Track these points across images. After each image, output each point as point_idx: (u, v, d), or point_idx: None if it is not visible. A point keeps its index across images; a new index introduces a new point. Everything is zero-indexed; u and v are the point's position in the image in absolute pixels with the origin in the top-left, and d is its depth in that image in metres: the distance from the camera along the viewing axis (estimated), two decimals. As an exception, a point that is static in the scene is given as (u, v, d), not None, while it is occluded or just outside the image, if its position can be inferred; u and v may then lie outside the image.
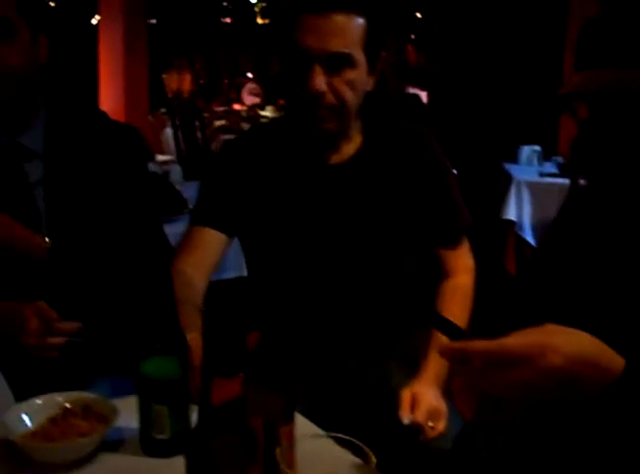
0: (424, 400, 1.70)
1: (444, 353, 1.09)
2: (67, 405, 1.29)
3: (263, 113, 10.85)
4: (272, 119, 2.14)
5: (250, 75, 14.82)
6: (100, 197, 1.87)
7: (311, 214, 1.81)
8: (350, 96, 1.71)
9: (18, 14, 1.75)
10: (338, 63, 1.67)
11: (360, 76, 1.71)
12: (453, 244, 1.93)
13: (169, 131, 8.01)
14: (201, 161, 6.59)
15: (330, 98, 1.69)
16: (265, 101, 12.46)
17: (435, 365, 1.79)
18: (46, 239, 1.79)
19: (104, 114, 2.04)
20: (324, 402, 1.79)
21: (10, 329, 1.66)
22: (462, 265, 1.95)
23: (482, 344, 1.05)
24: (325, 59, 1.66)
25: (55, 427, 1.25)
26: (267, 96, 13.01)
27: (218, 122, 8.98)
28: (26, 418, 1.27)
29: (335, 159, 1.83)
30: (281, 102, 11.40)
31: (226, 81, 14.91)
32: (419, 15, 12.50)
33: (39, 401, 1.30)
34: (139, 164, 2.02)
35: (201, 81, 14.83)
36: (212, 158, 2.01)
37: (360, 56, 1.69)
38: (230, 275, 2.95)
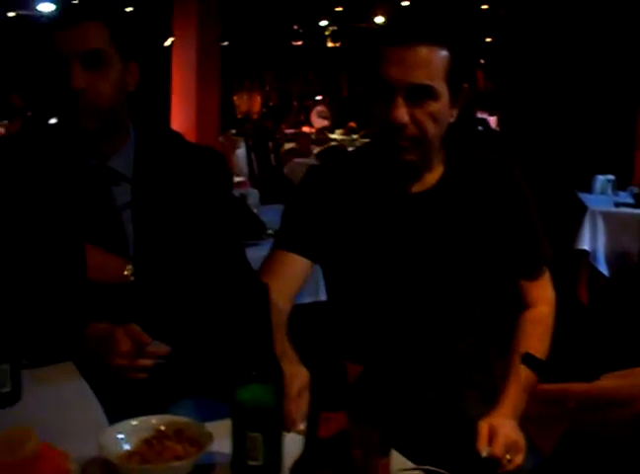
0: (502, 432, 1.68)
1: (540, 394, 1.10)
2: (161, 427, 1.31)
3: (332, 135, 10.93)
4: (356, 148, 2.15)
5: (319, 98, 14.98)
6: (185, 221, 1.91)
7: (393, 242, 1.82)
8: (431, 128, 1.72)
9: (111, 44, 1.81)
10: (420, 95, 1.68)
11: (442, 108, 1.72)
12: (535, 275, 1.92)
13: (240, 153, 8.11)
14: (277, 185, 6.64)
15: (412, 129, 1.70)
16: (334, 124, 12.55)
17: (513, 397, 1.78)
18: (129, 267, 1.85)
19: (179, 135, 2.09)
20: (405, 431, 1.79)
21: (100, 350, 1.71)
22: (543, 296, 1.95)
23: (580, 387, 1.06)
24: (408, 91, 1.67)
25: (151, 449, 1.27)
26: (336, 119, 13.11)
27: (288, 145, 9.06)
28: (122, 439, 1.29)
29: (417, 188, 1.84)
30: (351, 125, 11.48)
31: (295, 103, 15.09)
32: (489, 39, 12.49)
33: (134, 422, 1.32)
34: (223, 189, 2.06)
35: (271, 103, 15.04)
36: (297, 183, 2.03)
37: (442, 88, 1.70)
38: (306, 300, 2.97)
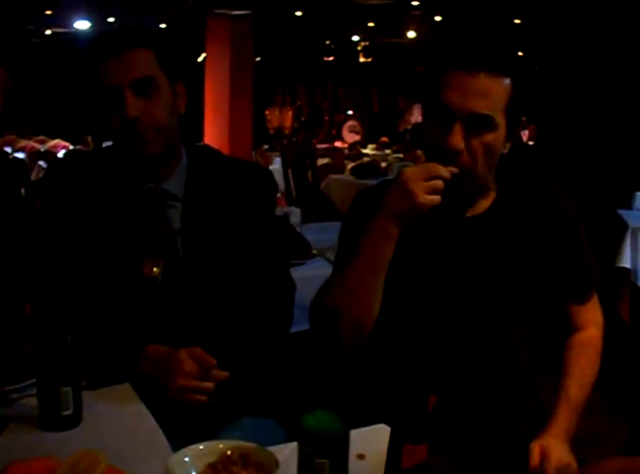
0: (554, 454, 1.68)
1: None
2: (228, 452, 1.31)
3: (364, 150, 10.95)
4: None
5: (350, 113, 15.03)
6: (233, 239, 1.94)
7: (447, 265, 1.82)
8: (484, 159, 1.70)
9: (160, 69, 1.83)
10: (479, 124, 1.66)
11: (497, 140, 1.70)
12: (584, 299, 1.93)
13: (274, 169, 8.11)
14: (315, 202, 6.62)
15: (465, 158, 1.68)
16: (365, 139, 12.59)
17: (563, 419, 1.78)
18: (155, 269, 1.86)
19: (219, 152, 2.11)
20: (455, 455, 1.78)
21: (159, 370, 1.73)
22: (592, 319, 1.95)
23: None
24: (467, 119, 1.65)
25: (216, 474, 1.28)
26: (367, 134, 13.16)
27: (321, 161, 9.05)
28: (188, 463, 1.30)
29: (471, 212, 1.84)
30: (383, 140, 11.51)
31: (327, 118, 15.15)
32: (520, 53, 12.48)
33: (201, 447, 1.32)
34: (271, 206, 2.08)
35: (303, 118, 15.10)
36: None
37: (501, 120, 1.68)
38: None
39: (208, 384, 1.69)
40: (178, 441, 1.42)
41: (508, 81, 1.67)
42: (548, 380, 1.92)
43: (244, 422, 1.87)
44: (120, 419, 1.60)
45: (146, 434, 1.53)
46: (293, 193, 7.39)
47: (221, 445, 1.33)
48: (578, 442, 1.79)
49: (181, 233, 1.91)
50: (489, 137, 1.68)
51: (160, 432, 1.54)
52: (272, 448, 1.36)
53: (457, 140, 1.65)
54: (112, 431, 1.55)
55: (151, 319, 1.86)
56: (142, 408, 1.64)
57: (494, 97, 1.66)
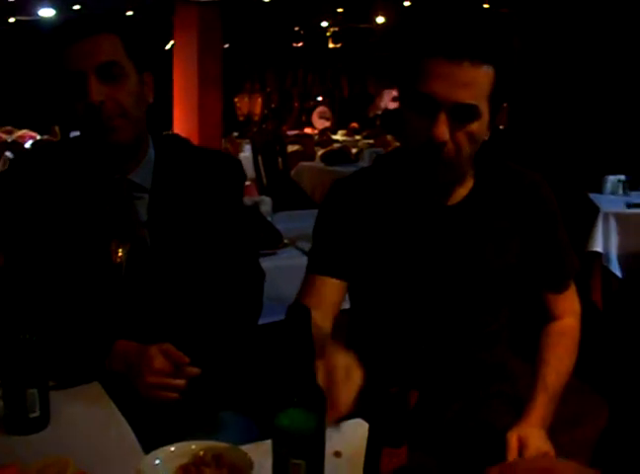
0: (531, 443, 1.67)
1: None
2: (200, 453, 1.28)
3: (334, 137, 10.92)
4: (377, 158, 2.09)
5: (320, 99, 15.00)
6: (201, 230, 1.92)
7: (426, 254, 1.79)
8: (468, 148, 1.66)
9: (126, 56, 1.80)
10: (464, 114, 1.61)
11: (481, 128, 1.65)
12: (561, 288, 1.92)
13: (244, 157, 8.05)
14: (285, 189, 6.57)
15: (450, 148, 1.63)
16: (335, 125, 12.58)
17: (540, 407, 1.77)
18: (119, 252, 1.83)
19: (187, 141, 2.08)
20: (433, 443, 1.76)
21: (128, 367, 1.69)
22: (569, 308, 1.94)
23: None
24: (452, 109, 1.60)
25: (188, 476, 1.24)
26: (337, 120, 13.15)
27: (291, 147, 8.99)
28: (159, 466, 1.27)
29: (449, 200, 1.81)
30: (353, 125, 11.50)
31: (296, 105, 15.11)
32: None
33: (172, 448, 1.29)
34: (240, 195, 2.05)
35: (272, 105, 15.05)
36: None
37: (484, 108, 1.63)
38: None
39: (180, 381, 1.65)
40: (150, 442, 1.38)
41: (491, 69, 1.61)
42: (525, 367, 1.91)
43: (217, 418, 1.84)
44: (89, 420, 1.56)
45: (116, 436, 1.50)
46: (264, 180, 7.34)
47: (194, 446, 1.30)
48: (554, 428, 1.79)
49: (148, 225, 1.88)
50: (473, 126, 1.63)
51: (131, 433, 1.51)
52: (246, 447, 1.34)
53: (443, 131, 1.61)
54: (81, 433, 1.51)
55: (119, 312, 1.83)
56: (112, 408, 1.61)
57: (478, 86, 1.61)
